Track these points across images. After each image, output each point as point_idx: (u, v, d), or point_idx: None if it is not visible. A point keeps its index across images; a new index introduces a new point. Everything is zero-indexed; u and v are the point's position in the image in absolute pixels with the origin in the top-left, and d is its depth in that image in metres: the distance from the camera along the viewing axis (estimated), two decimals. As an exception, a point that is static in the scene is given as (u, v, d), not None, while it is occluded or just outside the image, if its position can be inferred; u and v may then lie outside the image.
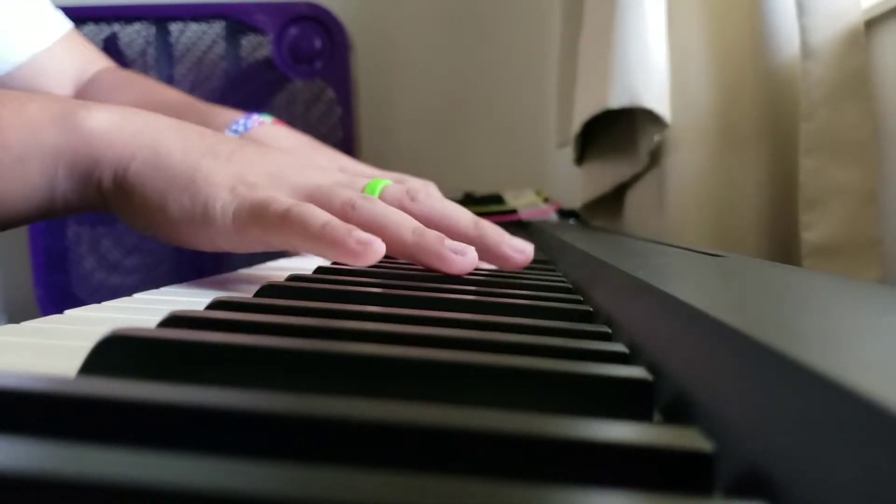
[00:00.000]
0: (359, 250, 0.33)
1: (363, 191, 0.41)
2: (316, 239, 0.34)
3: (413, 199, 0.40)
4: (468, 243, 0.36)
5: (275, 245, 0.37)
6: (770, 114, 0.76)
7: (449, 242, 0.35)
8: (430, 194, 0.41)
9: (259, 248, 0.38)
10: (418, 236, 0.35)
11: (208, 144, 0.39)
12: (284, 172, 0.39)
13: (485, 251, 0.38)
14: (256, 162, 0.39)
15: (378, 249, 0.33)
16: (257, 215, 0.35)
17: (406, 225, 0.36)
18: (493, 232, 0.39)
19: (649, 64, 0.77)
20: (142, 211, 0.38)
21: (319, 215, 0.34)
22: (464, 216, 0.40)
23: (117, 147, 0.38)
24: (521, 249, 0.39)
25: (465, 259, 0.35)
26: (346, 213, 0.36)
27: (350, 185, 0.41)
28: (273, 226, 0.35)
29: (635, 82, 0.76)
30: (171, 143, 0.38)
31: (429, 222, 0.37)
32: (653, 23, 0.77)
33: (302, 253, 0.35)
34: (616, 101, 0.77)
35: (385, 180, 0.42)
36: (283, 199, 0.36)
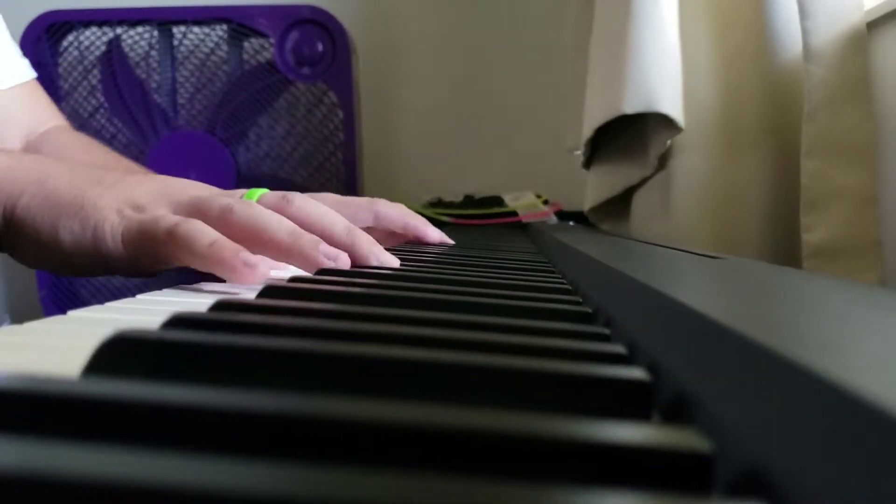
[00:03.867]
0: (244, 271, 0.34)
1: (242, 198, 0.42)
2: (203, 257, 0.34)
3: (289, 202, 0.41)
4: (341, 249, 0.38)
5: (166, 262, 0.37)
6: (774, 116, 0.76)
7: (323, 247, 0.36)
8: (305, 199, 0.42)
9: (153, 268, 0.39)
10: (294, 238, 0.36)
11: (95, 176, 0.40)
12: (169, 191, 0.40)
13: (355, 259, 0.39)
14: (142, 185, 0.40)
15: (263, 272, 0.34)
16: (145, 234, 0.36)
17: (283, 227, 0.37)
18: (365, 241, 0.40)
19: (665, 69, 0.77)
20: (34, 244, 0.39)
21: (207, 233, 0.35)
22: (339, 222, 0.41)
23: (4, 185, 0.39)
24: (386, 262, 0.40)
25: (335, 265, 0.36)
26: (225, 218, 0.37)
27: (230, 196, 0.42)
28: (162, 243, 0.36)
29: (651, 87, 0.76)
30: (59, 178, 0.39)
31: (304, 226, 0.38)
32: (669, 28, 0.77)
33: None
34: (631, 106, 0.77)
35: (263, 189, 0.44)
36: (168, 216, 0.37)
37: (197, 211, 0.38)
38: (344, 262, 0.36)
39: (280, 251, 0.36)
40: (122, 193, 0.39)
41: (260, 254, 0.37)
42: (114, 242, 0.38)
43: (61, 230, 0.38)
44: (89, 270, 0.40)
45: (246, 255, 0.34)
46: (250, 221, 0.37)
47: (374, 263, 0.39)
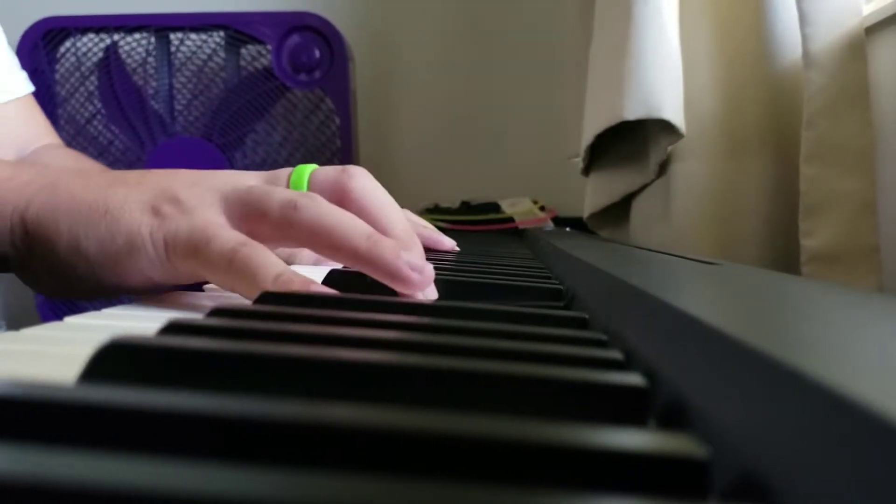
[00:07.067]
0: (260, 286, 0.29)
1: (288, 183, 0.37)
2: (258, 287, 0.29)
3: (349, 189, 0.35)
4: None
5: (200, 278, 0.33)
6: (773, 123, 0.76)
7: (407, 256, 0.30)
8: (363, 181, 0.36)
9: (191, 281, 0.34)
10: (372, 244, 0.31)
11: (112, 177, 0.35)
12: (209, 181, 0.34)
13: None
14: (169, 179, 0.34)
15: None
16: (197, 250, 0.31)
17: (358, 231, 0.31)
18: (417, 255, 0.33)
19: (667, 75, 0.77)
20: (49, 261, 0.33)
21: (272, 263, 0.30)
22: (398, 222, 0.36)
23: (7, 196, 0.34)
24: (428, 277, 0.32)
25: (421, 278, 0.30)
26: (288, 216, 0.31)
27: (277, 179, 0.37)
28: (217, 268, 0.31)
29: (653, 93, 0.76)
30: (72, 182, 0.34)
31: (363, 216, 0.33)
32: (670, 34, 0.77)
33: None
34: (633, 112, 0.77)
35: (312, 165, 0.38)
36: (225, 234, 0.31)
37: (255, 211, 0.32)
38: (429, 274, 0.31)
39: (355, 259, 0.31)
40: (151, 188, 0.33)
41: (326, 256, 0.32)
42: (154, 247, 0.32)
43: (83, 240, 0.32)
44: (117, 280, 0.33)
45: (318, 287, 0.29)
46: (319, 223, 0.31)
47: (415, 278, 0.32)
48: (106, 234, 0.32)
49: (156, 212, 0.32)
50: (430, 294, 0.32)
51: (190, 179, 0.34)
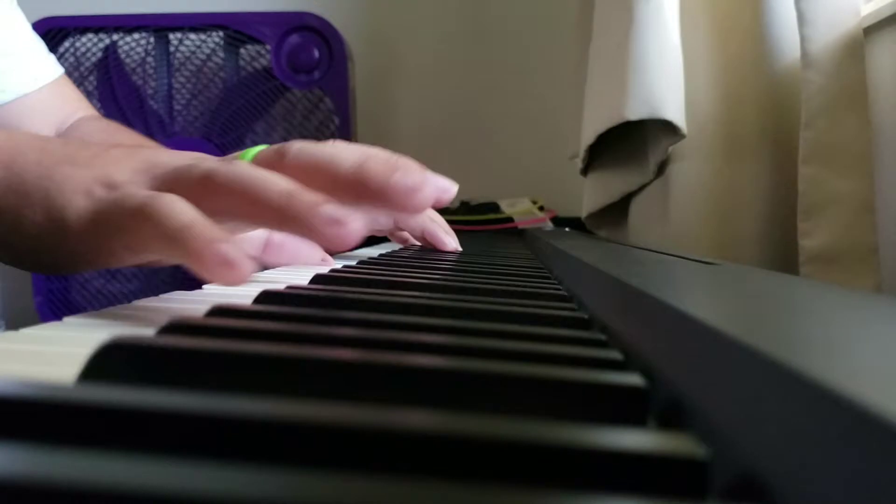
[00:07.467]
0: (217, 269, 0.25)
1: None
2: (171, 240, 0.27)
3: (283, 154, 0.34)
4: (349, 191, 0.31)
5: (139, 251, 0.31)
6: (772, 123, 0.76)
7: (327, 209, 0.27)
8: (307, 145, 0.34)
9: (128, 261, 0.33)
10: (287, 198, 0.28)
11: (68, 152, 0.34)
12: (153, 164, 0.33)
13: (377, 197, 0.31)
14: (122, 160, 0.33)
15: (242, 273, 0.25)
16: (112, 216, 0.30)
17: (276, 187, 0.29)
18: (381, 170, 0.32)
19: (668, 75, 0.77)
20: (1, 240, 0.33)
21: (180, 211, 0.27)
22: (345, 159, 0.33)
23: None
24: (415, 188, 0.31)
25: (344, 230, 0.27)
26: (207, 184, 0.30)
27: (223, 160, 0.35)
28: (127, 227, 0.29)
29: (654, 93, 0.76)
30: (28, 157, 0.33)
31: (305, 177, 0.31)
32: (672, 34, 0.77)
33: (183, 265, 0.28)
34: (634, 112, 0.77)
35: (263, 145, 0.36)
36: (139, 192, 0.30)
37: (175, 181, 0.31)
38: (355, 227, 0.28)
39: (273, 217, 0.29)
40: (94, 171, 0.32)
41: (259, 225, 0.31)
42: (78, 228, 0.31)
43: (23, 222, 0.32)
44: (54, 263, 0.33)
45: (224, 247, 0.25)
46: (235, 182, 0.29)
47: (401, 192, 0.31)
48: (41, 216, 0.32)
49: (88, 195, 0.32)
50: (450, 244, 0.31)
51: (134, 164, 0.33)
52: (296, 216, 0.28)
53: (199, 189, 0.30)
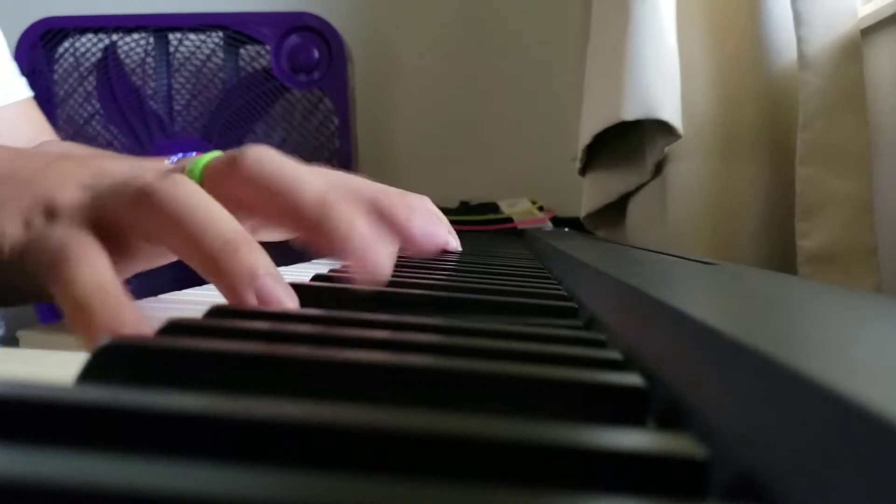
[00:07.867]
0: (95, 337, 0.21)
1: (185, 171, 0.30)
2: (76, 309, 0.23)
3: (236, 166, 0.29)
4: (303, 228, 0.27)
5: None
6: (769, 124, 0.76)
7: (263, 282, 0.24)
8: (264, 159, 0.29)
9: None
10: (221, 250, 0.24)
11: (13, 167, 0.30)
12: (103, 174, 0.29)
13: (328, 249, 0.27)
14: (70, 173, 0.29)
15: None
16: (38, 254, 0.26)
17: (215, 228, 0.24)
18: (343, 227, 0.27)
19: (664, 75, 0.77)
20: None
21: (87, 267, 0.24)
22: (308, 190, 0.28)
23: None
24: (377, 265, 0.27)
25: (268, 301, 0.24)
26: (141, 202, 0.26)
27: (175, 169, 0.30)
28: (42, 275, 0.25)
29: (651, 94, 0.76)
30: None
31: (255, 196, 0.28)
32: (668, 35, 0.77)
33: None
34: (631, 112, 0.77)
35: (216, 152, 0.31)
36: (62, 234, 0.26)
37: (112, 198, 0.27)
38: (280, 301, 0.24)
39: (200, 264, 0.25)
40: (37, 190, 0.28)
41: (185, 260, 0.26)
42: (14, 262, 0.27)
43: None
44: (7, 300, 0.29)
45: (128, 318, 0.23)
46: (171, 209, 0.25)
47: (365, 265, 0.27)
48: None
49: (26, 224, 0.28)
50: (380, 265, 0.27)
51: (80, 179, 0.29)
52: (226, 275, 0.24)
53: (132, 208, 0.26)
